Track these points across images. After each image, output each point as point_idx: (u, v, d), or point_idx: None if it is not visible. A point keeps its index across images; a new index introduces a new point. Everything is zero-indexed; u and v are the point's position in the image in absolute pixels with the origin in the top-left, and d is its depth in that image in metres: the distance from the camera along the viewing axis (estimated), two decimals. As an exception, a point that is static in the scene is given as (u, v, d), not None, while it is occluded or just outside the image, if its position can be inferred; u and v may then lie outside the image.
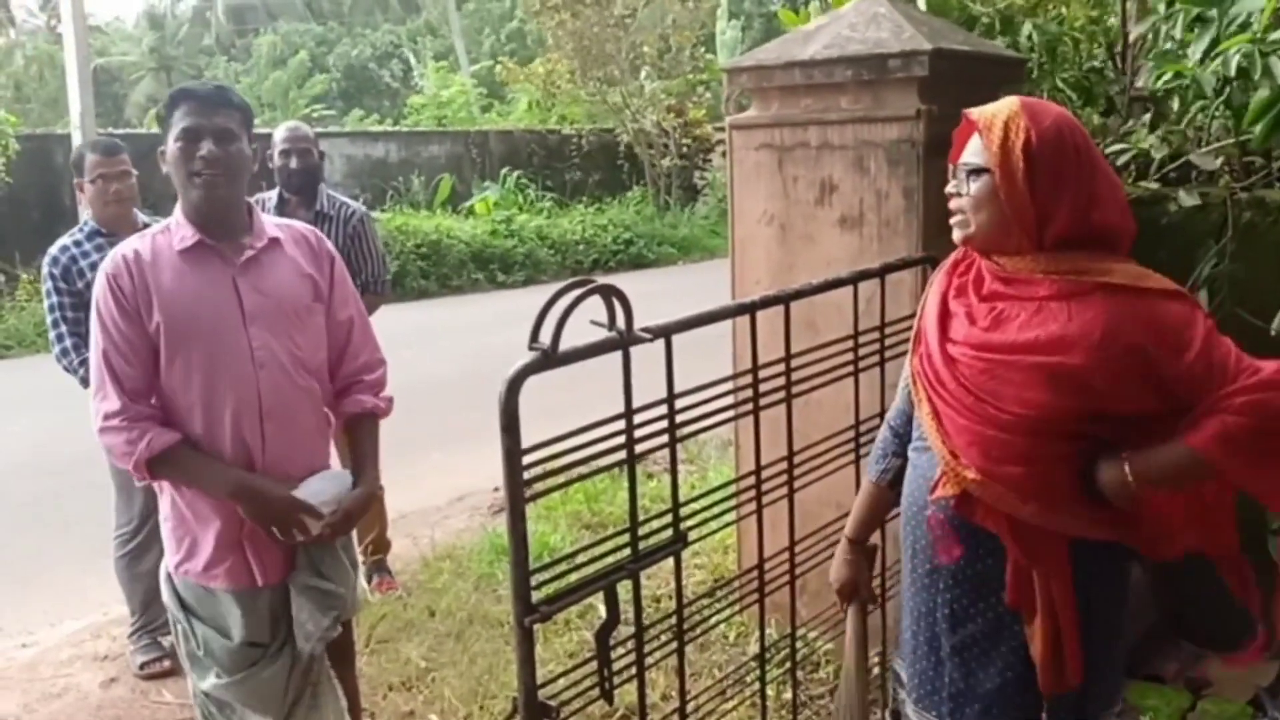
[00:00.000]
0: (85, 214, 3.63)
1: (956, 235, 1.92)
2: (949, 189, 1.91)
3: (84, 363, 3.07)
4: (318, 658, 2.44)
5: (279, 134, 4.11)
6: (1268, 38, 2.71)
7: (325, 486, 2.34)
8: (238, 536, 2.30)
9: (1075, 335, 1.74)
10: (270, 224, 2.40)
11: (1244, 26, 2.82)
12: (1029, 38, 3.57)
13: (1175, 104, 3.21)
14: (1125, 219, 1.83)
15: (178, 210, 2.32)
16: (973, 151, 1.86)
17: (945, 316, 1.94)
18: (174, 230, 2.30)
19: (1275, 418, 1.67)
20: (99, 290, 2.23)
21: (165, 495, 2.36)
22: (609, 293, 1.91)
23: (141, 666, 3.70)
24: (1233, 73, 2.76)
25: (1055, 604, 1.83)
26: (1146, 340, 1.72)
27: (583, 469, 2.03)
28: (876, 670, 2.91)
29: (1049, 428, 1.78)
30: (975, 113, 1.87)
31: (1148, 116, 3.34)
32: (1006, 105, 1.84)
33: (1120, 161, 3.11)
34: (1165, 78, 3.05)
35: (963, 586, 1.94)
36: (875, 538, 2.33)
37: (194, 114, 2.22)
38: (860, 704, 2.30)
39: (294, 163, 4.00)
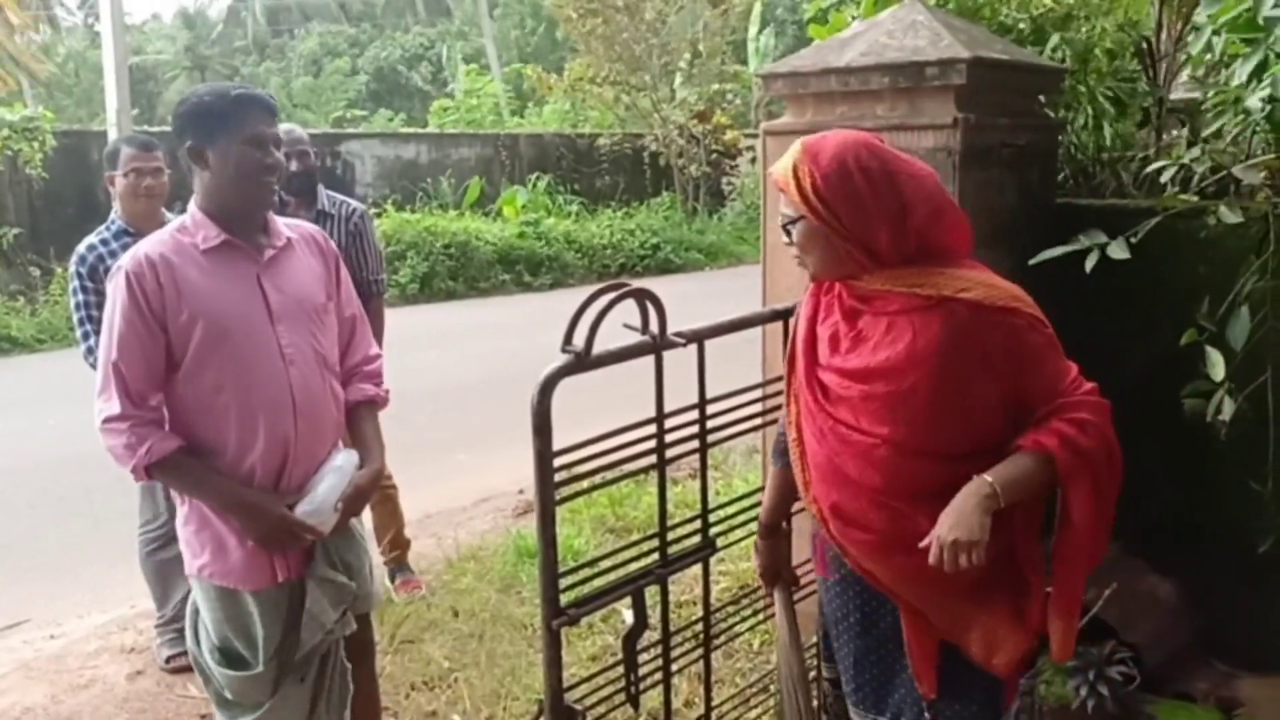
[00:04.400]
0: (114, 211, 3.63)
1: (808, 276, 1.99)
2: (784, 241, 1.97)
3: None
4: (332, 656, 2.43)
5: None
6: None
7: (329, 491, 2.30)
8: None
9: (919, 352, 1.81)
10: (281, 225, 2.42)
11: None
12: (1055, 49, 3.53)
13: (1214, 117, 3.17)
14: (944, 221, 1.88)
15: (194, 208, 2.31)
16: (784, 205, 1.94)
17: (813, 340, 2.01)
18: (194, 229, 2.28)
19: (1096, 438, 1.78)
20: (116, 289, 2.21)
21: (185, 499, 2.33)
22: (644, 297, 1.91)
23: (168, 660, 3.73)
24: None
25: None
26: (992, 350, 1.80)
27: (609, 473, 2.03)
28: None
29: (898, 469, 1.84)
30: (774, 171, 1.95)
31: (1185, 130, 3.30)
32: (792, 154, 1.92)
33: (1164, 178, 3.08)
34: (1212, 95, 3.00)
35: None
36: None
37: (264, 122, 2.26)
38: (800, 676, 2.33)
39: (294, 165, 4.00)
